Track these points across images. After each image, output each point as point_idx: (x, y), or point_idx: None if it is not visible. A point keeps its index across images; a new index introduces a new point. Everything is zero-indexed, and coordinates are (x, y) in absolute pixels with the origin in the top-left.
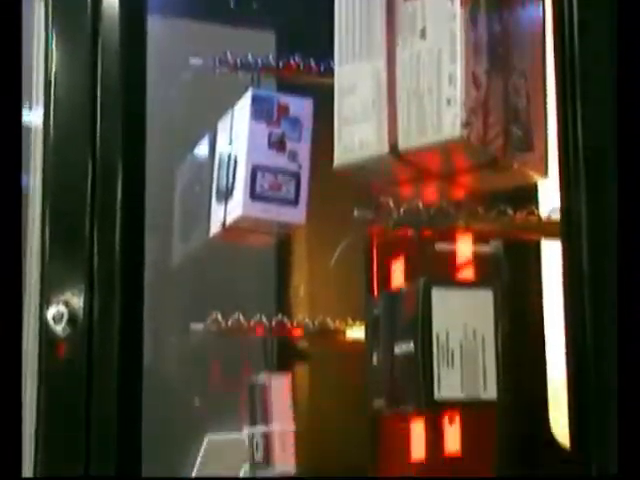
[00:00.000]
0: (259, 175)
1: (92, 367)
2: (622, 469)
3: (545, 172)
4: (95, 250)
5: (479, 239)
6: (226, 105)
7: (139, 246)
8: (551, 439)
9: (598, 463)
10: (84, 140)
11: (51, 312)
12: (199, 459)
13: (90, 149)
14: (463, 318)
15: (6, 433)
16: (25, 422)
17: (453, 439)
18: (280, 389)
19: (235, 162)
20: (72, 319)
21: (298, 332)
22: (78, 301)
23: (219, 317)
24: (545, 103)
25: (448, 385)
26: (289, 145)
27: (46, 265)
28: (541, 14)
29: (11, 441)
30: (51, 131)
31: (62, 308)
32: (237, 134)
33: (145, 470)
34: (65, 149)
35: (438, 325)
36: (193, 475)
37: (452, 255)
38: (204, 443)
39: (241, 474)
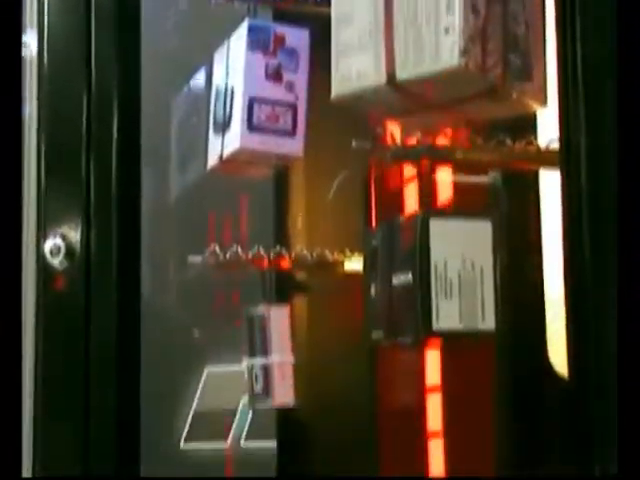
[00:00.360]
0: (256, 106)
1: (90, 300)
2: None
3: (544, 101)
4: (91, 183)
5: (477, 170)
6: (222, 36)
7: (135, 178)
8: (549, 369)
9: (597, 391)
10: (79, 71)
11: (48, 245)
12: (199, 391)
13: (85, 80)
14: (461, 249)
15: (6, 430)
16: (25, 357)
17: (452, 370)
18: (279, 321)
19: (232, 93)
20: (69, 252)
21: (296, 264)
22: (75, 234)
23: (217, 249)
24: (544, 31)
25: (446, 316)
26: (286, 76)
27: (42, 198)
28: None
29: (11, 441)
30: (45, 61)
31: (59, 241)
32: (233, 65)
33: (143, 398)
34: (59, 79)
35: (436, 256)
36: (193, 407)
37: (450, 186)
38: (204, 375)
39: (240, 406)
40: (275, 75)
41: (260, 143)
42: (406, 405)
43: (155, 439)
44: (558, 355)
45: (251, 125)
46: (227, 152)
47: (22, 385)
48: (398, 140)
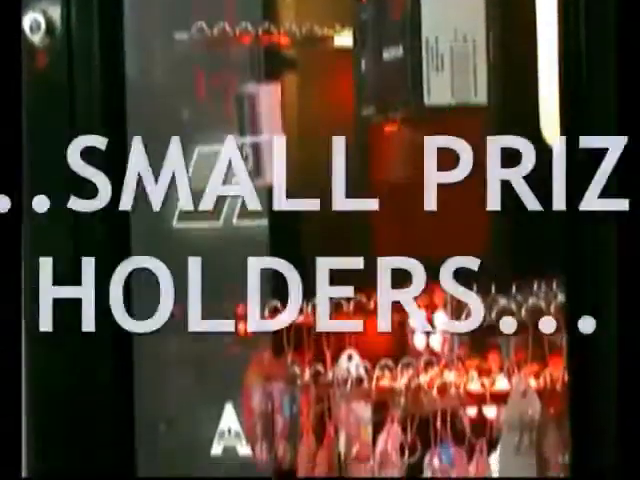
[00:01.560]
0: None
1: (73, 79)
2: None
3: None
4: None
5: None
6: None
7: None
8: (542, 143)
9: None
10: None
11: (27, 21)
12: (190, 171)
13: None
14: (453, 22)
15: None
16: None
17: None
18: (268, 99)
19: None
20: (50, 28)
21: (285, 40)
22: (55, 9)
23: (204, 26)
24: None
25: (438, 90)
26: None
27: None
28: None
29: (10, 441)
30: None
31: (39, 17)
32: None
33: None
34: None
35: (427, 29)
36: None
37: None
38: (194, 155)
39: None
40: None
41: None
42: (399, 182)
43: (148, 218)
44: (551, 128)
45: None
46: None
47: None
48: None
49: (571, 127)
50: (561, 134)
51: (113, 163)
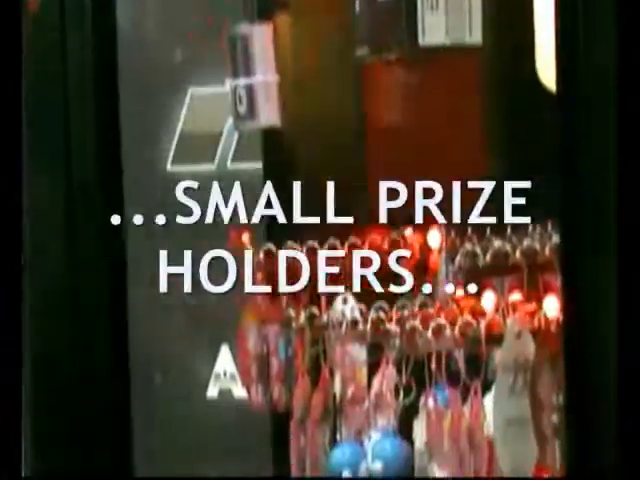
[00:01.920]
0: None
1: (64, 21)
2: None
3: None
4: None
5: None
6: None
7: None
8: (537, 82)
9: (586, 106)
10: None
11: None
12: (183, 113)
13: None
14: None
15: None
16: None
17: (438, 88)
18: (262, 40)
19: None
20: None
21: None
22: None
23: None
24: None
25: (432, 30)
26: None
27: None
28: None
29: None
30: None
31: None
32: None
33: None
34: None
35: None
36: (178, 129)
37: None
38: (187, 97)
39: (225, 128)
40: None
41: None
42: (393, 121)
43: (141, 161)
44: (548, 70)
45: None
46: None
47: None
48: None
49: (567, 68)
50: (557, 76)
51: (104, 110)
